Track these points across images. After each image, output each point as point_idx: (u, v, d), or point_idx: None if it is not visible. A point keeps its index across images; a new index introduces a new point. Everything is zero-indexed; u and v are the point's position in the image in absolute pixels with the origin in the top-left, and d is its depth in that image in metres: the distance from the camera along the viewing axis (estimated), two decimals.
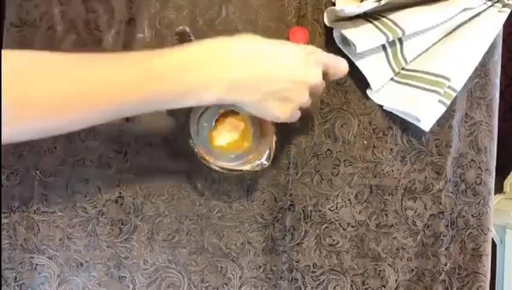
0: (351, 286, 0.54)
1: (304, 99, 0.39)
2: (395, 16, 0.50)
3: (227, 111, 0.48)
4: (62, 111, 0.30)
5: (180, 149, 0.52)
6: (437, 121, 0.52)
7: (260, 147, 0.46)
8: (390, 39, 0.49)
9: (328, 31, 0.53)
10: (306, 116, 0.53)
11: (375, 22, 0.50)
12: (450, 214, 0.55)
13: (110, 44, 0.52)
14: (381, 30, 0.49)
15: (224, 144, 0.48)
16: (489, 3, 0.52)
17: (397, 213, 0.54)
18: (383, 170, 0.54)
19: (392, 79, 0.53)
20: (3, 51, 0.29)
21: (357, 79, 0.53)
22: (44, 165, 0.51)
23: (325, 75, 0.41)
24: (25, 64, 0.30)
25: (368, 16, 0.51)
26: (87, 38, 0.51)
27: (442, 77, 0.50)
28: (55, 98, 0.30)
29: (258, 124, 0.48)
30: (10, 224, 0.50)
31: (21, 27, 0.51)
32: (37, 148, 0.51)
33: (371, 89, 0.52)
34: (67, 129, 0.33)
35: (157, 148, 0.52)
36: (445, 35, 0.52)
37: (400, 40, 0.51)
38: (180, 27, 0.40)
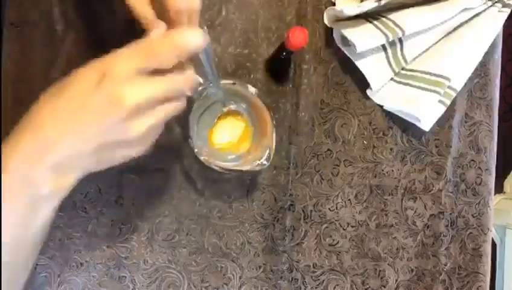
0: (351, 286, 0.54)
1: (142, 125, 0.29)
2: (395, 16, 0.50)
3: (227, 111, 0.48)
4: None
5: (180, 149, 0.52)
6: (437, 121, 0.52)
7: (260, 147, 0.46)
8: (390, 39, 0.49)
9: (328, 31, 0.53)
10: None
11: (375, 22, 0.50)
12: (450, 214, 0.55)
13: (110, 44, 0.51)
14: (381, 30, 0.49)
15: (224, 144, 0.48)
16: (489, 3, 0.52)
17: (397, 213, 0.54)
18: (383, 170, 0.54)
19: (392, 79, 0.53)
20: None
21: (357, 79, 0.53)
22: None
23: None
24: None
25: (368, 16, 0.51)
26: (87, 38, 0.51)
27: (442, 77, 0.50)
28: None
29: (258, 124, 0.48)
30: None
31: (21, 27, 0.51)
32: None
33: (371, 89, 0.52)
34: None
35: (157, 148, 0.52)
36: (445, 35, 0.52)
37: (400, 40, 0.51)
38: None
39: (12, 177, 0.26)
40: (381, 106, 0.54)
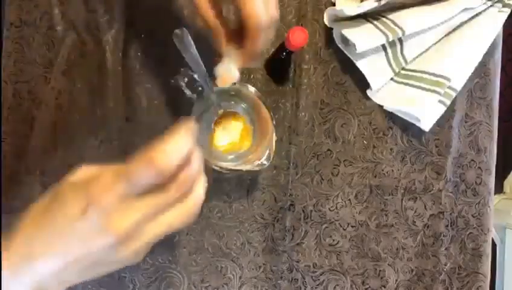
0: (351, 286, 0.54)
1: (132, 248, 0.27)
2: (395, 16, 0.50)
3: (227, 112, 0.48)
4: None
5: None
6: (437, 121, 0.52)
7: (260, 147, 0.46)
8: (390, 39, 0.49)
9: (328, 31, 0.53)
10: (305, 118, 0.54)
11: (375, 22, 0.50)
12: (450, 214, 0.55)
13: (110, 44, 0.52)
14: (381, 30, 0.49)
15: (225, 144, 0.48)
16: (489, 3, 0.52)
17: (397, 213, 0.54)
18: (383, 170, 0.54)
19: (392, 79, 0.53)
20: None
21: (357, 79, 0.53)
22: (44, 165, 0.51)
23: None
24: None
25: (368, 16, 0.51)
26: (87, 38, 0.51)
27: (442, 77, 0.50)
28: None
29: (258, 124, 0.48)
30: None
31: (21, 27, 0.51)
32: (37, 148, 0.51)
33: (371, 89, 0.52)
34: None
35: None
36: (445, 35, 0.52)
37: (400, 40, 0.51)
38: (177, 30, 0.40)
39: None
40: (381, 106, 0.54)
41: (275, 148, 0.46)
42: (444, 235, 0.55)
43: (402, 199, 0.55)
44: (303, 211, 0.53)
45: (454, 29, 0.52)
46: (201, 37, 0.53)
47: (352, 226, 0.54)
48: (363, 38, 0.48)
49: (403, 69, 0.53)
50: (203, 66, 0.42)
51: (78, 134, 0.51)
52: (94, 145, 0.51)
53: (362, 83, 0.53)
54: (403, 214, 0.55)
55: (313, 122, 0.54)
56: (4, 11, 0.51)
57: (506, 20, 0.52)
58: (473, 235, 0.55)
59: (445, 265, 0.55)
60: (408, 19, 0.49)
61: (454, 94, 0.52)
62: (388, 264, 0.54)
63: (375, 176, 0.54)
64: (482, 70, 0.56)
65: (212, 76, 0.41)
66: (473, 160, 0.56)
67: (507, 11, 0.52)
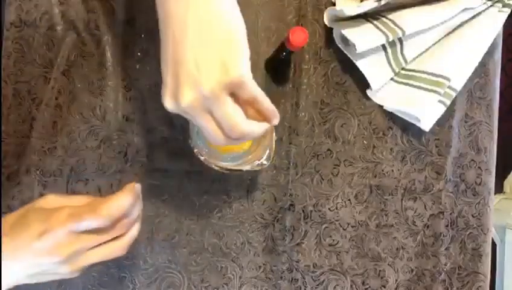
0: (351, 286, 0.54)
1: (73, 266, 0.36)
2: (395, 15, 0.50)
3: None
4: None
5: (180, 149, 0.52)
6: (437, 121, 0.52)
7: (260, 147, 0.46)
8: (390, 39, 0.49)
9: (328, 31, 0.53)
10: (305, 118, 0.54)
11: (375, 22, 0.50)
12: (450, 214, 0.55)
13: (110, 44, 0.52)
14: (381, 30, 0.49)
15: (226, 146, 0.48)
16: (489, 3, 0.52)
17: (397, 213, 0.54)
18: (383, 170, 0.54)
19: (392, 79, 0.53)
20: None
21: (357, 79, 0.53)
22: (44, 165, 0.51)
23: None
24: None
25: (368, 16, 0.51)
26: (87, 38, 0.51)
27: (442, 77, 0.50)
28: None
29: None
30: None
31: (21, 27, 0.51)
32: (37, 148, 0.51)
33: (371, 89, 0.52)
34: None
35: (157, 148, 0.52)
36: (445, 35, 0.52)
37: (400, 40, 0.51)
38: None
39: None
40: (381, 106, 0.54)
41: (275, 148, 0.46)
42: (444, 235, 0.55)
43: (402, 199, 0.55)
44: (303, 211, 0.53)
45: (454, 29, 0.52)
46: None
47: (352, 226, 0.54)
48: (363, 38, 0.48)
49: (403, 69, 0.53)
50: None
51: (78, 134, 0.51)
52: (94, 145, 0.51)
53: (362, 83, 0.53)
54: (403, 214, 0.55)
55: (313, 122, 0.54)
56: (4, 11, 0.51)
57: (506, 20, 0.52)
58: (473, 235, 0.55)
59: (445, 265, 0.55)
60: (408, 19, 0.49)
61: (454, 94, 0.52)
62: (388, 264, 0.54)
63: (375, 176, 0.54)
64: (482, 70, 0.56)
65: None
66: (473, 160, 0.56)
67: (507, 11, 0.52)
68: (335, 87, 0.54)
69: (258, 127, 0.34)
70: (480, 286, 0.55)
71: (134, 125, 0.52)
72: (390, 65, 0.52)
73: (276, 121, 0.36)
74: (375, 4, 0.48)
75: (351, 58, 0.52)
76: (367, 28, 0.50)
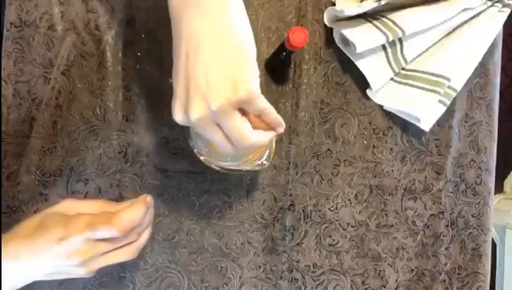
0: (351, 286, 0.54)
1: (89, 268, 0.40)
2: (395, 15, 0.50)
3: None
4: None
5: (180, 149, 0.52)
6: (437, 121, 0.52)
7: (260, 147, 0.46)
8: (390, 39, 0.49)
9: (328, 31, 0.53)
10: (306, 119, 0.54)
11: (375, 22, 0.50)
12: (450, 214, 0.55)
13: (110, 44, 0.52)
14: (381, 30, 0.49)
15: None
16: (489, 3, 0.52)
17: (397, 213, 0.54)
18: (383, 170, 0.54)
19: (392, 79, 0.53)
20: None
21: (357, 79, 0.53)
22: (44, 165, 0.51)
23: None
24: None
25: (368, 16, 0.51)
26: (87, 38, 0.51)
27: (442, 77, 0.50)
28: None
29: None
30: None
31: (21, 27, 0.51)
32: (37, 148, 0.51)
33: (371, 89, 0.52)
34: None
35: (158, 148, 0.52)
36: (445, 35, 0.52)
37: (400, 40, 0.51)
38: None
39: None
40: (381, 106, 0.54)
41: (275, 148, 0.46)
42: (444, 235, 0.55)
43: (402, 199, 0.55)
44: (303, 211, 0.53)
45: (454, 29, 0.52)
46: None
47: (352, 226, 0.54)
48: (363, 38, 0.48)
49: (403, 69, 0.53)
50: None
51: (78, 134, 0.51)
52: (94, 145, 0.51)
53: (362, 83, 0.53)
54: (403, 214, 0.55)
55: (313, 122, 0.54)
56: (4, 11, 0.51)
57: (506, 20, 0.52)
58: (473, 235, 0.55)
59: (445, 265, 0.55)
60: (408, 19, 0.49)
61: (454, 94, 0.52)
62: (388, 264, 0.54)
63: (375, 176, 0.54)
64: (482, 70, 0.56)
65: None
66: (473, 160, 0.56)
67: (507, 11, 0.52)
68: (335, 87, 0.54)
69: (264, 137, 0.36)
70: (480, 286, 0.55)
71: (134, 125, 0.52)
72: (390, 65, 0.52)
73: (281, 129, 0.37)
74: (375, 4, 0.48)
75: (351, 58, 0.52)
76: (367, 28, 0.50)
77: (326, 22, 0.53)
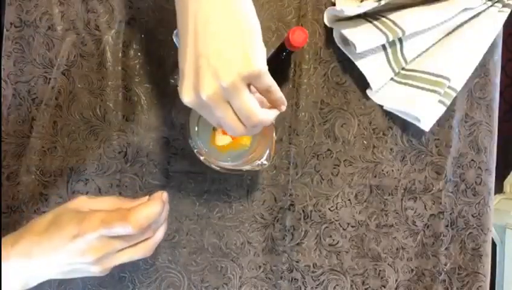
0: (351, 286, 0.54)
1: (102, 266, 0.39)
2: (395, 15, 0.50)
3: None
4: None
5: (180, 149, 0.52)
6: (437, 121, 0.52)
7: (260, 147, 0.46)
8: (390, 39, 0.49)
9: (328, 31, 0.53)
10: (306, 119, 0.54)
11: (375, 22, 0.50)
12: (450, 214, 0.55)
13: (110, 44, 0.52)
14: (381, 30, 0.49)
15: (224, 144, 0.48)
16: (489, 3, 0.52)
17: (397, 213, 0.54)
18: (383, 170, 0.54)
19: (392, 79, 0.53)
20: None
21: (357, 79, 0.53)
22: (44, 165, 0.51)
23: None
24: None
25: (368, 16, 0.51)
26: (87, 38, 0.51)
27: (442, 77, 0.50)
28: None
29: None
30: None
31: (21, 27, 0.51)
32: (37, 148, 0.51)
33: (371, 89, 0.52)
34: None
35: (158, 148, 0.52)
36: (445, 35, 0.52)
37: (400, 40, 0.51)
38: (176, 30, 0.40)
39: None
40: (381, 106, 0.54)
41: (275, 148, 0.46)
42: (444, 235, 0.55)
43: (402, 199, 0.55)
44: (303, 211, 0.53)
45: (454, 29, 0.52)
46: None
47: (352, 226, 0.54)
48: (363, 38, 0.48)
49: (403, 69, 0.53)
50: None
51: (78, 134, 0.51)
52: (94, 145, 0.51)
53: (362, 83, 0.53)
54: (403, 214, 0.55)
55: (313, 122, 0.54)
56: (4, 11, 0.51)
57: (506, 20, 0.52)
58: (473, 235, 0.55)
59: (445, 265, 0.55)
60: (408, 19, 0.49)
61: (454, 94, 0.52)
62: (388, 264, 0.54)
63: (375, 176, 0.54)
64: (482, 70, 0.56)
65: None
66: (473, 160, 0.56)
67: (507, 11, 0.52)
68: (335, 87, 0.54)
69: (271, 114, 0.36)
70: (480, 286, 0.55)
71: (134, 125, 0.52)
72: (390, 65, 0.52)
73: (284, 107, 0.37)
74: (375, 4, 0.48)
75: (351, 58, 0.52)
76: (367, 28, 0.50)
77: (326, 22, 0.53)
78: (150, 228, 0.40)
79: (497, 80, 0.56)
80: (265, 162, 0.44)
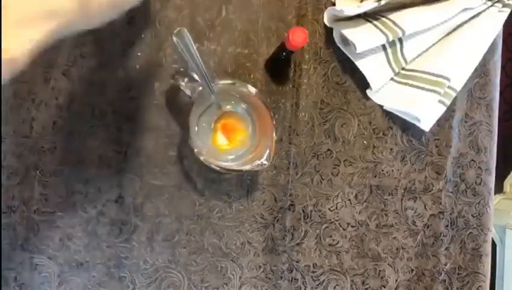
0: (351, 286, 0.54)
1: None
2: (395, 15, 0.50)
3: (227, 111, 0.48)
4: None
5: (180, 149, 0.52)
6: (437, 121, 0.52)
7: (260, 147, 0.46)
8: (390, 39, 0.49)
9: (328, 31, 0.53)
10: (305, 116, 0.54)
11: (375, 22, 0.50)
12: (450, 214, 0.55)
13: (110, 44, 0.51)
14: (381, 30, 0.49)
15: (224, 144, 0.48)
16: (489, 3, 0.52)
17: (397, 213, 0.54)
18: (383, 170, 0.54)
19: (392, 79, 0.53)
20: None
21: (357, 79, 0.53)
22: (44, 165, 0.51)
23: None
24: None
25: (367, 16, 0.51)
26: (87, 39, 0.51)
27: (442, 76, 0.50)
28: None
29: (258, 124, 0.48)
30: (10, 224, 0.50)
31: None
32: (37, 148, 0.51)
33: (371, 89, 0.52)
34: None
35: (157, 148, 0.52)
36: (445, 35, 0.52)
37: (400, 40, 0.51)
38: (178, 28, 0.40)
39: None
40: (381, 106, 0.54)
41: (275, 148, 0.46)
42: (444, 235, 0.55)
43: (402, 199, 0.55)
44: (303, 211, 0.53)
45: (454, 29, 0.52)
46: (202, 35, 0.53)
47: (352, 226, 0.54)
48: (363, 38, 0.48)
49: (403, 69, 0.53)
50: (203, 65, 0.42)
51: (78, 134, 0.51)
52: (94, 145, 0.51)
53: (362, 83, 0.53)
54: (403, 214, 0.55)
55: (313, 122, 0.54)
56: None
57: (506, 20, 0.52)
58: (473, 235, 0.55)
59: (445, 265, 0.55)
60: (408, 19, 0.49)
61: (454, 94, 0.52)
62: (388, 264, 0.54)
63: (375, 176, 0.54)
64: (482, 70, 0.56)
65: (211, 76, 0.41)
66: (473, 160, 0.56)
67: (507, 11, 0.52)
68: (335, 87, 0.54)
69: None
70: (480, 286, 0.55)
71: (134, 125, 0.52)
72: (390, 65, 0.52)
73: None
74: (375, 4, 0.48)
75: (351, 58, 0.52)
76: (367, 28, 0.50)
77: (326, 22, 0.53)
78: None
79: (497, 80, 0.56)
80: (265, 162, 0.44)
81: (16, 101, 0.50)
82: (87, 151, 0.51)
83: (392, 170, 0.55)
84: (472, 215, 0.55)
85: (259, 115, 0.47)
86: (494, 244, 0.95)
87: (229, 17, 0.53)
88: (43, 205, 0.51)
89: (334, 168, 0.54)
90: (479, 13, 0.52)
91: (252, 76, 0.53)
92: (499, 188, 1.15)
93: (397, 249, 0.54)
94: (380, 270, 0.54)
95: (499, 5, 0.52)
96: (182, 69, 0.47)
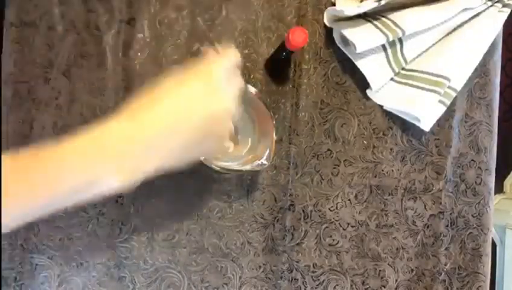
0: (351, 286, 0.54)
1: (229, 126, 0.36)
2: (395, 16, 0.50)
3: None
4: None
5: None
6: (437, 121, 0.52)
7: (260, 147, 0.46)
8: (390, 39, 0.49)
9: (328, 31, 0.53)
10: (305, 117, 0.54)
11: (375, 22, 0.50)
12: (450, 214, 0.55)
13: (110, 44, 0.52)
14: (381, 30, 0.49)
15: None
16: (489, 3, 0.52)
17: (397, 213, 0.54)
18: (383, 170, 0.54)
19: (392, 79, 0.53)
20: None
21: (357, 79, 0.53)
22: None
23: None
24: None
25: (368, 16, 0.51)
26: (87, 38, 0.51)
27: (442, 77, 0.50)
28: None
29: (258, 124, 0.48)
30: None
31: (21, 27, 0.51)
32: None
33: (371, 89, 0.52)
34: None
35: None
36: (445, 35, 0.52)
37: (400, 40, 0.51)
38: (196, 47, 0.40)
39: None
40: (381, 106, 0.54)
41: (275, 148, 0.46)
42: (444, 235, 0.55)
43: (402, 199, 0.55)
44: (303, 211, 0.53)
45: (454, 29, 0.52)
46: (202, 35, 0.53)
47: (352, 226, 0.54)
48: (363, 39, 0.48)
49: (403, 69, 0.53)
50: None
51: None
52: None
53: (362, 83, 0.53)
54: (403, 214, 0.55)
55: (313, 122, 0.54)
56: (4, 11, 0.51)
57: (506, 20, 0.52)
58: (473, 235, 0.55)
59: (445, 265, 0.55)
60: (408, 19, 0.49)
61: (454, 94, 0.52)
62: (388, 264, 0.54)
63: (375, 176, 0.54)
64: (482, 70, 0.56)
65: None
66: (473, 160, 0.56)
67: (507, 11, 0.52)
68: (335, 87, 0.54)
69: None
70: (480, 286, 0.55)
71: None
72: (390, 65, 0.52)
73: None
74: (375, 4, 0.48)
75: (351, 58, 0.52)
76: (367, 28, 0.50)
77: (326, 22, 0.53)
78: None
79: (497, 80, 0.56)
80: (265, 162, 0.44)
81: (16, 101, 0.50)
82: None
83: (392, 170, 0.55)
84: (472, 215, 0.55)
85: (259, 115, 0.47)
86: (494, 244, 0.95)
87: (229, 17, 0.53)
88: None
89: (334, 168, 0.54)
90: (479, 13, 0.52)
91: (252, 76, 0.53)
92: (499, 188, 1.15)
93: (397, 249, 0.54)
94: (380, 270, 0.54)
95: (499, 5, 0.52)
96: None
